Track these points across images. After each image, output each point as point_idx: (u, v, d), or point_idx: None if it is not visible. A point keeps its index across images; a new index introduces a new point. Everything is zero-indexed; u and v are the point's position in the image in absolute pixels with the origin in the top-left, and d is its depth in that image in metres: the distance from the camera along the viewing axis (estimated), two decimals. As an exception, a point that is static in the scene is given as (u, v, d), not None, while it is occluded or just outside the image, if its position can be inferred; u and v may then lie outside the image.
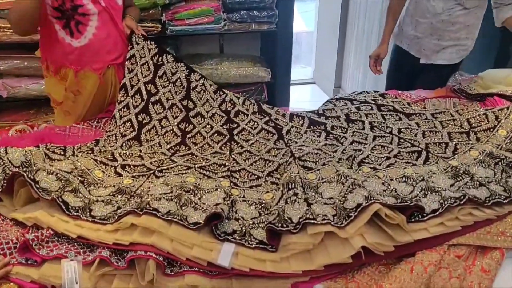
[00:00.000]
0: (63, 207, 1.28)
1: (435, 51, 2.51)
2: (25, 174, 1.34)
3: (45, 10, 1.86)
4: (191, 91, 1.98)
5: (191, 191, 1.36)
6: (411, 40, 2.60)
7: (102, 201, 1.35)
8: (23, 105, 3.02)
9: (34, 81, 2.89)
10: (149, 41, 2.04)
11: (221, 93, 2.02)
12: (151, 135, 1.84)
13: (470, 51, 2.51)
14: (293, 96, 4.46)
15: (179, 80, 1.99)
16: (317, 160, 1.59)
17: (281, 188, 1.39)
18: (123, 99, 1.94)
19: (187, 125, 1.88)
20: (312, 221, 1.21)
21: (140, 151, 1.75)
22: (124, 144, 1.79)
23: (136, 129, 1.84)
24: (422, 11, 2.47)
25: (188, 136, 1.83)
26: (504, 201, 1.38)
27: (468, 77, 2.44)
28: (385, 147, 1.72)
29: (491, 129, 1.78)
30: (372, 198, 1.25)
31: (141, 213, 1.23)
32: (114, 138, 1.81)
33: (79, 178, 1.45)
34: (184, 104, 1.94)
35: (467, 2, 2.29)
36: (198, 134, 1.85)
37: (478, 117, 1.84)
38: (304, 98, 4.91)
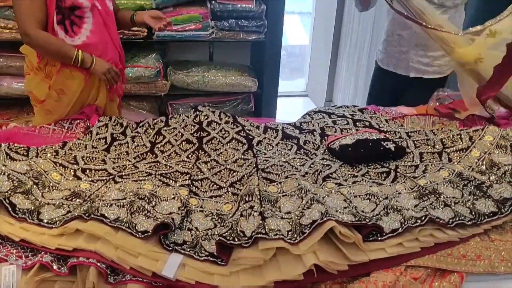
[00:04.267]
0: (10, 208, 1.25)
1: (424, 63, 2.49)
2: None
3: None
4: (170, 119, 1.96)
5: (145, 198, 1.33)
6: (397, 58, 2.58)
7: (54, 204, 1.32)
8: (5, 104, 3.00)
9: (16, 80, 2.87)
10: None
11: (198, 112, 1.99)
12: (121, 147, 1.81)
13: None
14: (284, 108, 4.46)
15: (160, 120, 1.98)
16: (281, 172, 1.56)
17: (238, 200, 1.36)
18: (103, 119, 1.92)
19: (157, 137, 1.85)
20: (264, 236, 1.18)
21: (105, 156, 1.71)
22: (91, 151, 1.76)
23: (108, 143, 1.81)
24: (402, 23, 2.45)
25: (157, 145, 1.80)
26: (468, 223, 1.34)
27: (451, 93, 2.41)
28: (354, 166, 1.69)
29: (464, 150, 1.75)
30: (327, 215, 1.22)
31: (88, 218, 1.19)
32: (84, 146, 1.77)
33: (34, 180, 1.41)
34: (160, 126, 1.92)
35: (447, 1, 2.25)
36: (168, 143, 1.82)
37: (452, 137, 1.81)
38: (295, 110, 4.88)
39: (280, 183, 1.47)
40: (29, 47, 1.96)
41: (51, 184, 1.44)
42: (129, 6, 2.78)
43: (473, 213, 1.38)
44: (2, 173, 1.36)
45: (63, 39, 1.92)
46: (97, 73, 1.99)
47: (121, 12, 2.24)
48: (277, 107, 3.63)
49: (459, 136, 1.80)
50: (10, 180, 1.35)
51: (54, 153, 1.67)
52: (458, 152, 1.75)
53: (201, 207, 1.40)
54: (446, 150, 1.77)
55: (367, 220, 1.27)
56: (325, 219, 1.20)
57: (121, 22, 2.22)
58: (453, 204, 1.41)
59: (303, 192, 1.37)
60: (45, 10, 1.86)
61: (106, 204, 1.27)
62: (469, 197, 1.47)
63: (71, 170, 1.55)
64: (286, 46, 5.90)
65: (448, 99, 2.38)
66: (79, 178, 1.52)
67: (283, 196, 1.39)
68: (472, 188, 1.51)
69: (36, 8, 1.84)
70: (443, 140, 1.81)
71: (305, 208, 1.29)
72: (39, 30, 1.86)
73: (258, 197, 1.34)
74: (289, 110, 4.70)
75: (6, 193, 1.30)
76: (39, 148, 1.67)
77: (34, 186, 1.39)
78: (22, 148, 1.64)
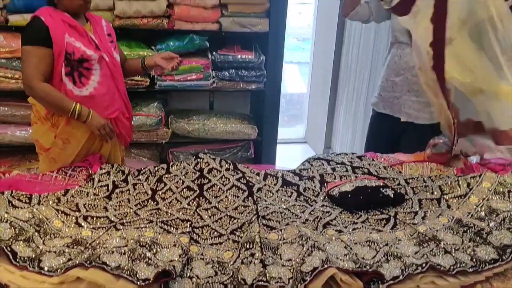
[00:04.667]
0: (10, 256, 1.25)
1: (416, 109, 2.55)
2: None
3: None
4: (171, 167, 1.99)
5: (147, 246, 1.33)
6: (391, 102, 2.65)
7: (55, 251, 1.32)
8: (8, 151, 3.04)
9: (20, 128, 2.92)
10: None
11: (199, 159, 2.02)
12: (122, 194, 1.82)
13: None
14: (284, 155, 4.50)
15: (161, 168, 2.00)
16: (281, 219, 1.57)
17: (239, 248, 1.37)
18: (105, 167, 1.95)
19: (158, 184, 1.87)
20: (265, 283, 1.18)
21: (107, 203, 1.72)
22: (93, 199, 1.77)
23: (110, 190, 1.83)
24: (396, 70, 2.55)
25: (158, 193, 1.82)
26: (470, 270, 1.34)
27: (447, 140, 2.45)
28: (354, 213, 1.71)
29: (463, 196, 1.76)
30: (328, 262, 1.22)
31: (89, 266, 1.20)
32: (86, 194, 1.79)
33: (35, 227, 1.42)
34: (161, 174, 1.95)
35: None
36: (169, 190, 1.83)
37: (450, 184, 1.83)
38: (294, 157, 4.92)
39: (281, 230, 1.48)
40: None
41: (53, 232, 1.45)
42: (132, 57, 2.87)
43: (474, 260, 1.38)
44: (5, 221, 1.37)
45: (71, 90, 1.97)
46: (92, 127, 2.02)
47: (129, 62, 2.32)
48: (276, 154, 3.67)
49: (457, 182, 1.83)
50: (12, 228, 1.36)
51: (56, 201, 1.68)
52: (457, 199, 1.76)
53: (202, 254, 1.40)
54: (445, 196, 1.79)
55: (368, 267, 1.27)
56: (326, 266, 1.21)
57: (130, 70, 2.30)
58: (453, 251, 1.42)
59: (303, 239, 1.38)
60: (51, 63, 1.93)
61: (107, 252, 1.27)
62: (469, 243, 1.47)
63: (73, 218, 1.56)
64: (284, 94, 6.03)
65: (444, 146, 2.41)
66: (81, 226, 1.53)
67: (284, 243, 1.40)
68: (472, 234, 1.51)
69: (42, 62, 1.91)
70: (441, 187, 1.83)
71: (306, 255, 1.30)
72: (41, 83, 1.92)
73: (259, 244, 1.34)
74: (288, 156, 4.74)
75: (7, 241, 1.30)
76: (41, 196, 1.69)
77: (36, 234, 1.40)
78: (24, 196, 1.65)
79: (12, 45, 2.69)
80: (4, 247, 1.27)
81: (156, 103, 3.15)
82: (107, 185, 1.85)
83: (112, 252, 1.28)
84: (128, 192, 1.82)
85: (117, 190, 1.82)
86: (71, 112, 1.96)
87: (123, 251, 1.29)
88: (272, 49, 3.22)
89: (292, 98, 6.66)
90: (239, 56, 3.16)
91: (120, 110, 2.16)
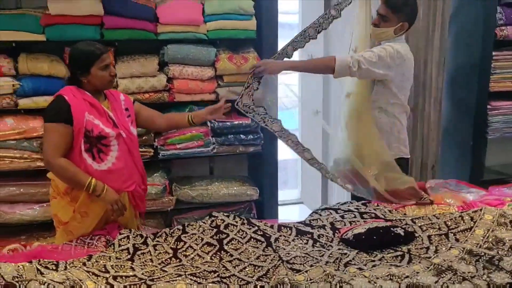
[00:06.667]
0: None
1: None
2: (17, 285, 1.37)
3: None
4: (186, 227, 2.06)
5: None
6: None
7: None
8: (15, 230, 3.04)
9: (28, 206, 2.95)
10: None
11: (213, 218, 2.10)
12: (144, 255, 1.88)
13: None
14: (282, 216, 4.55)
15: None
16: (304, 262, 1.65)
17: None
18: (124, 232, 2.02)
19: (178, 243, 1.93)
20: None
21: (132, 264, 1.78)
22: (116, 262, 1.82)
23: (131, 253, 1.89)
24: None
25: (179, 251, 1.88)
26: (488, 295, 1.42)
27: (440, 182, 2.59)
28: (370, 253, 1.79)
29: (468, 230, 1.87)
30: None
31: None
32: (108, 258, 1.84)
33: (71, 289, 1.47)
34: (178, 234, 2.01)
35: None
36: (189, 247, 1.90)
37: (454, 219, 1.94)
38: (293, 217, 4.95)
39: (306, 271, 1.55)
40: None
41: (88, 292, 1.49)
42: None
43: (491, 286, 1.47)
44: (43, 283, 1.42)
45: (91, 165, 2.06)
46: (105, 201, 2.08)
47: (172, 116, 2.53)
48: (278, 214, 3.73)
49: (461, 217, 1.94)
50: (50, 290, 1.41)
51: (81, 265, 1.73)
52: (463, 232, 1.87)
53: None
54: (452, 231, 1.89)
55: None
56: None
57: (172, 123, 2.51)
58: (470, 278, 1.50)
59: (330, 277, 1.45)
60: (71, 140, 2.04)
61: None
62: (483, 271, 1.56)
63: (103, 278, 1.61)
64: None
65: (439, 188, 2.55)
66: (112, 286, 1.57)
67: (311, 283, 1.47)
68: (485, 262, 1.61)
69: (62, 138, 2.02)
70: (447, 223, 1.94)
71: (334, 291, 1.37)
72: (59, 159, 2.01)
73: (289, 285, 1.41)
74: (287, 217, 4.77)
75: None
76: (67, 262, 1.73)
77: (72, 295, 1.44)
78: (51, 263, 1.70)
79: (22, 126, 2.79)
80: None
81: (160, 172, 3.24)
82: (127, 249, 1.90)
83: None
84: (149, 253, 1.88)
85: (139, 252, 1.88)
86: (87, 187, 2.03)
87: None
88: (267, 114, 3.39)
89: (284, 161, 6.79)
90: (236, 122, 3.32)
91: (138, 182, 2.26)
